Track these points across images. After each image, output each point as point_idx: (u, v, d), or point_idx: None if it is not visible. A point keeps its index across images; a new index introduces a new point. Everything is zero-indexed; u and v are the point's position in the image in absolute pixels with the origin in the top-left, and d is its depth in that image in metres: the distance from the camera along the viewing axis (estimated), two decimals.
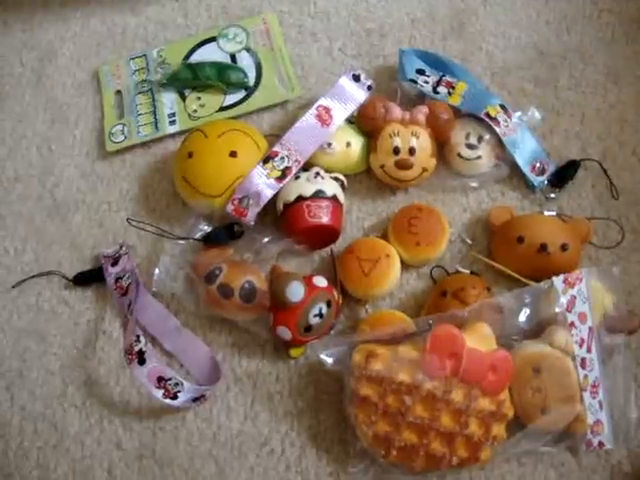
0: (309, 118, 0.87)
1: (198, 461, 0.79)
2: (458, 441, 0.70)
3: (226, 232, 0.84)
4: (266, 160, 0.85)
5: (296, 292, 0.75)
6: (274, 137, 0.90)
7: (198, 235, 0.85)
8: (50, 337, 0.87)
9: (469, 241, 0.86)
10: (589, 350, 0.72)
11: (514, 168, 0.88)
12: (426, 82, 0.91)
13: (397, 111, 0.87)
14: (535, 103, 0.92)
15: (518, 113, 0.89)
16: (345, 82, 0.90)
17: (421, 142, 0.86)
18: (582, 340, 0.72)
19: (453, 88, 0.90)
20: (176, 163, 0.89)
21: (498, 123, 0.87)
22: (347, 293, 0.83)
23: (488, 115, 0.87)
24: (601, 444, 0.72)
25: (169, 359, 0.83)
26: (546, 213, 0.85)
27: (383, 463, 0.72)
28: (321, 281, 0.79)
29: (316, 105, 0.88)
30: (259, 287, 0.79)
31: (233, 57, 1.01)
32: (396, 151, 0.86)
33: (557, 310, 0.73)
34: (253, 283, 0.79)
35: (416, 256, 0.83)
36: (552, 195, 0.88)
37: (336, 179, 0.86)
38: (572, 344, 0.72)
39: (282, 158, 0.85)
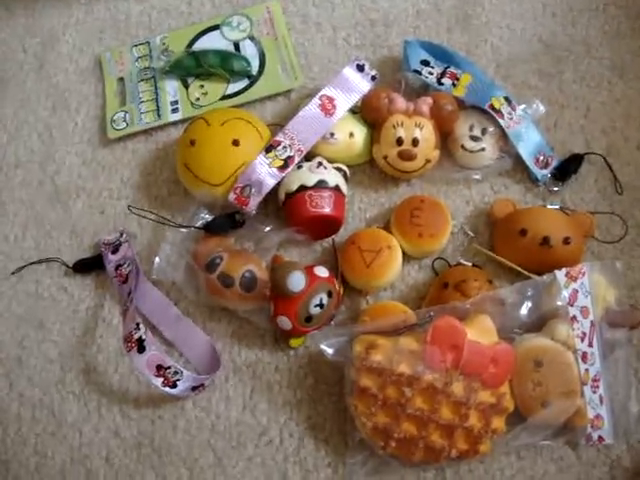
0: (312, 108, 0.87)
1: (196, 450, 0.78)
2: (458, 434, 0.69)
3: (227, 221, 0.84)
4: (268, 149, 0.85)
5: (297, 282, 0.75)
6: (277, 126, 0.89)
7: (199, 223, 0.85)
8: (49, 324, 0.86)
9: (471, 233, 0.86)
10: (590, 344, 0.72)
11: (518, 161, 0.88)
12: (430, 73, 0.90)
13: (401, 102, 0.86)
14: (539, 96, 0.92)
15: (522, 106, 0.88)
16: (349, 72, 0.89)
17: (425, 133, 0.85)
18: (583, 334, 0.72)
19: (457, 80, 0.90)
20: (178, 151, 0.88)
21: (502, 115, 0.86)
22: (348, 284, 0.82)
23: (492, 107, 0.87)
24: (601, 439, 0.72)
25: (168, 348, 0.83)
26: (549, 206, 0.85)
27: (382, 454, 0.72)
28: (322, 271, 0.78)
29: (319, 95, 0.87)
30: (260, 276, 0.79)
31: (236, 45, 1.01)
32: (399, 142, 0.85)
33: (559, 304, 0.73)
34: (254, 272, 0.79)
35: (418, 247, 0.83)
36: (555, 188, 0.87)
37: (339, 169, 0.86)
38: (573, 338, 0.71)
39: (285, 147, 0.85)
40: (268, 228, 0.85)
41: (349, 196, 0.88)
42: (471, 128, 0.87)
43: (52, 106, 1.01)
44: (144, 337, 0.76)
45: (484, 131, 0.87)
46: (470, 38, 0.99)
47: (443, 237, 0.83)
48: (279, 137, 0.85)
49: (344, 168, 0.87)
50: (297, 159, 0.84)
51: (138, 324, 0.77)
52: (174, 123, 0.97)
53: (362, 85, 0.89)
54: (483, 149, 0.87)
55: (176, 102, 0.97)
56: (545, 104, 0.90)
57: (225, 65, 0.97)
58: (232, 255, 0.80)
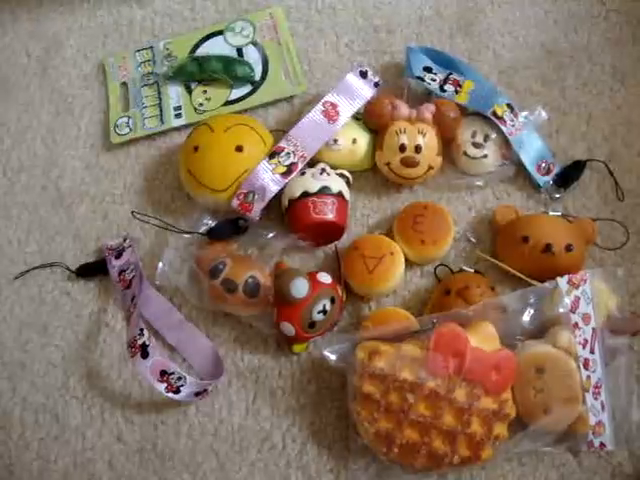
0: (315, 114, 0.87)
1: (199, 455, 0.79)
2: (460, 440, 0.70)
3: (231, 227, 0.84)
4: (272, 155, 0.85)
5: (300, 288, 0.75)
6: (280, 132, 0.90)
7: (202, 229, 0.85)
8: (52, 329, 0.87)
9: (474, 240, 0.86)
10: (592, 351, 0.72)
11: (520, 167, 0.88)
12: (433, 80, 0.91)
13: (404, 108, 0.86)
14: (542, 103, 0.92)
15: (525, 112, 0.89)
16: (352, 78, 0.89)
17: (427, 140, 0.86)
18: (585, 341, 0.72)
19: (460, 86, 0.90)
20: (181, 157, 0.88)
21: (504, 122, 0.87)
22: (351, 290, 0.83)
23: (495, 114, 0.87)
24: (602, 445, 0.72)
25: (172, 353, 0.83)
26: (551, 213, 0.85)
27: (384, 460, 0.72)
28: (325, 277, 0.79)
29: (323, 101, 0.88)
30: (263, 282, 0.79)
31: (240, 51, 1.01)
32: (402, 149, 0.85)
33: (561, 311, 0.73)
34: (257, 278, 0.79)
35: (421, 254, 0.83)
36: (557, 195, 0.88)
37: (342, 176, 0.86)
38: (575, 345, 0.72)
39: (288, 154, 0.85)
40: (271, 234, 0.85)
41: (352, 202, 0.88)
42: (473, 135, 0.88)
43: (55, 111, 1.01)
44: (148, 342, 0.76)
45: (486, 138, 0.87)
46: (472, 45, 0.99)
47: (445, 244, 0.83)
48: (282, 143, 0.86)
49: (347, 174, 0.87)
50: (300, 165, 0.85)
51: (142, 329, 0.77)
52: (177, 128, 0.97)
53: (365, 91, 0.90)
54: (485, 156, 0.87)
55: (179, 107, 0.97)
56: (547, 111, 0.90)
57: (228, 71, 0.97)
58: (235, 261, 0.80)
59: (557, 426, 0.72)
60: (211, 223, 0.86)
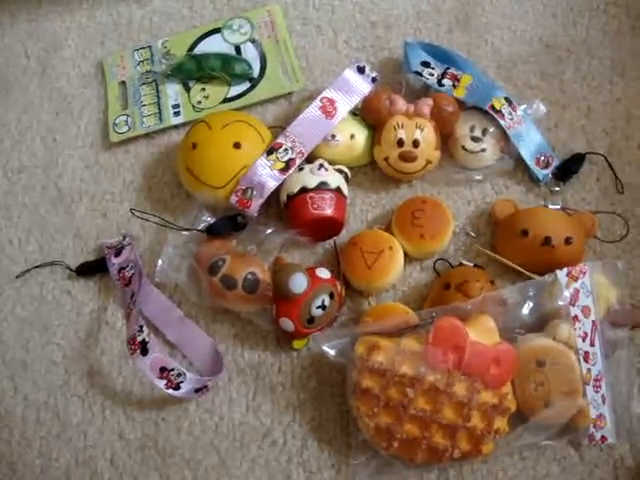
0: (313, 110, 0.87)
1: (200, 452, 0.79)
2: (460, 434, 0.69)
3: (229, 223, 0.84)
4: (270, 151, 0.85)
5: (299, 284, 0.75)
6: (278, 129, 0.90)
7: (201, 226, 0.85)
8: (53, 327, 0.87)
9: (473, 234, 0.86)
10: (592, 344, 0.72)
11: (519, 161, 0.88)
12: (431, 74, 0.90)
13: (401, 103, 0.86)
14: (540, 96, 0.92)
15: (523, 106, 0.89)
16: (350, 74, 0.89)
17: (425, 134, 0.85)
18: (585, 334, 0.72)
19: (458, 81, 0.90)
20: (180, 154, 0.89)
21: (503, 116, 0.86)
22: (350, 285, 0.83)
23: (493, 108, 0.87)
24: (604, 438, 0.72)
25: (172, 350, 0.83)
26: (550, 206, 0.85)
27: (385, 455, 0.72)
28: (324, 273, 0.79)
29: (320, 97, 0.87)
30: (262, 278, 0.79)
31: (237, 49, 1.01)
32: (400, 143, 0.85)
33: (560, 304, 0.73)
34: (256, 274, 0.79)
35: (420, 249, 0.83)
36: (557, 188, 0.87)
37: (340, 171, 0.86)
38: (575, 338, 0.71)
39: (286, 150, 0.85)
40: (270, 230, 0.85)
41: (350, 198, 0.88)
42: (472, 129, 0.87)
43: (55, 111, 1.01)
44: (147, 339, 0.77)
45: (485, 132, 0.87)
46: (470, 39, 0.99)
47: (445, 238, 0.83)
48: (280, 139, 0.86)
49: (345, 170, 0.87)
50: (298, 161, 0.85)
51: (141, 326, 0.77)
52: (176, 126, 0.97)
53: (363, 87, 0.89)
54: (484, 150, 0.87)
55: (178, 105, 0.97)
56: (546, 104, 0.90)
57: (226, 68, 0.97)
58: (234, 257, 0.81)
59: (558, 419, 0.72)
60: (210, 220, 0.86)
